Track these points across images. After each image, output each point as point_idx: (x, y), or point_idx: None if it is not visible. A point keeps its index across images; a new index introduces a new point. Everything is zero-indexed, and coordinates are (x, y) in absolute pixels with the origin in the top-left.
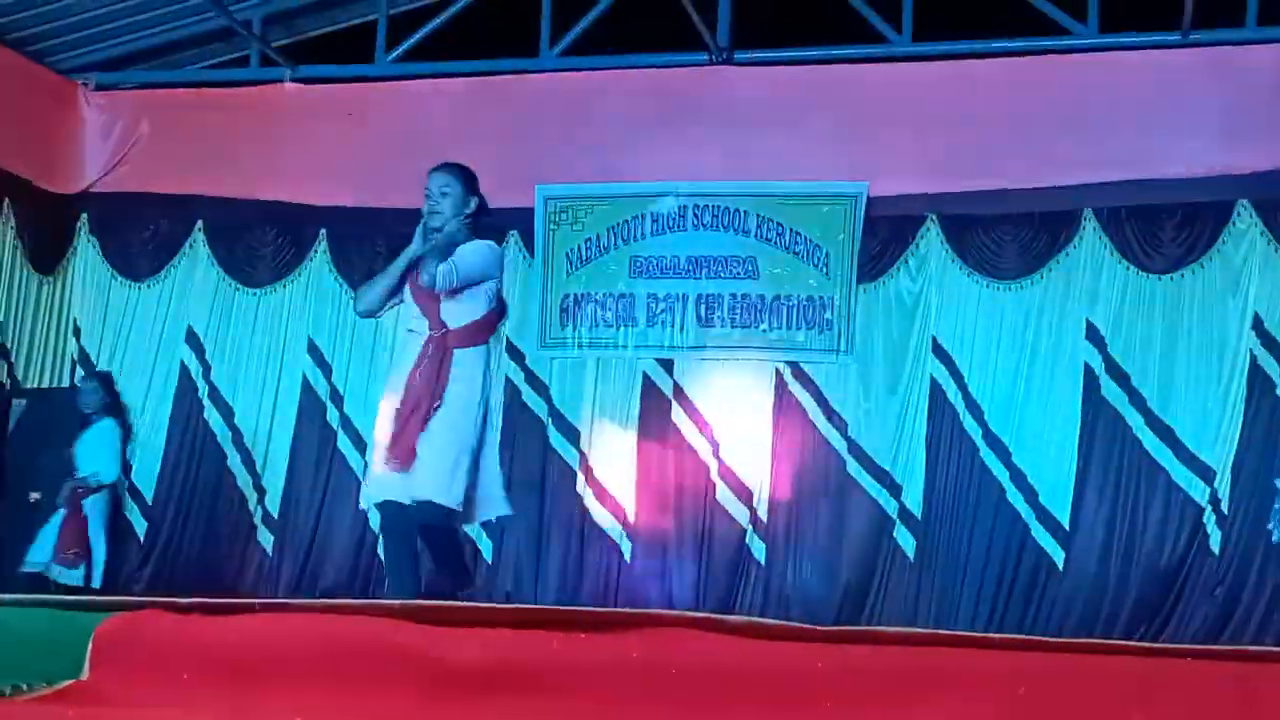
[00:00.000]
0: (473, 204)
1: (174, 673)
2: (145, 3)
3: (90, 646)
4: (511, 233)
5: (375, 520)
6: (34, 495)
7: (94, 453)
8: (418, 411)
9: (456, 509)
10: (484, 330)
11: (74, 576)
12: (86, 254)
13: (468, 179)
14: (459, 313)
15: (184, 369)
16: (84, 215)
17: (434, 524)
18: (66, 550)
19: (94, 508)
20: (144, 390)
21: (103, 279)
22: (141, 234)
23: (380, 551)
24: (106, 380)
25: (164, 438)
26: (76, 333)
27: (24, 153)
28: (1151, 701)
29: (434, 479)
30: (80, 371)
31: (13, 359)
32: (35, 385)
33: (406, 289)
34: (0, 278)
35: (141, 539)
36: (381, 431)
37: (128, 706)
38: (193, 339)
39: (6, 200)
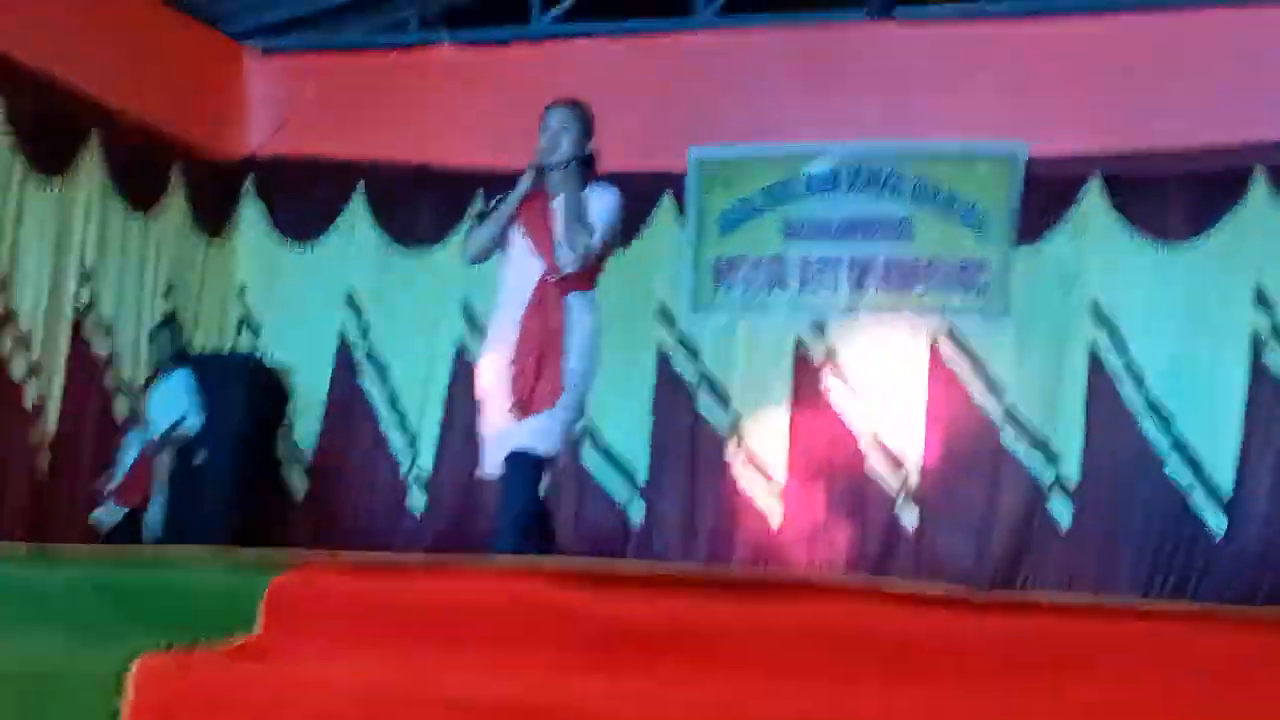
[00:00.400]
0: (589, 147)
1: (342, 627)
2: None
3: (262, 602)
4: (664, 194)
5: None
6: (199, 455)
7: (173, 401)
8: (541, 358)
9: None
10: (595, 274)
11: (113, 517)
12: (252, 218)
13: (587, 119)
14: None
15: (343, 331)
16: (249, 179)
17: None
18: (127, 494)
19: (163, 456)
20: (306, 352)
21: (267, 242)
22: (304, 198)
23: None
24: (175, 330)
25: (324, 399)
26: (242, 296)
27: (192, 117)
28: None
29: (547, 428)
30: (246, 334)
31: (181, 321)
32: (201, 348)
33: (517, 229)
34: (169, 243)
35: (302, 497)
36: (495, 380)
37: (300, 661)
38: (352, 302)
39: (177, 165)
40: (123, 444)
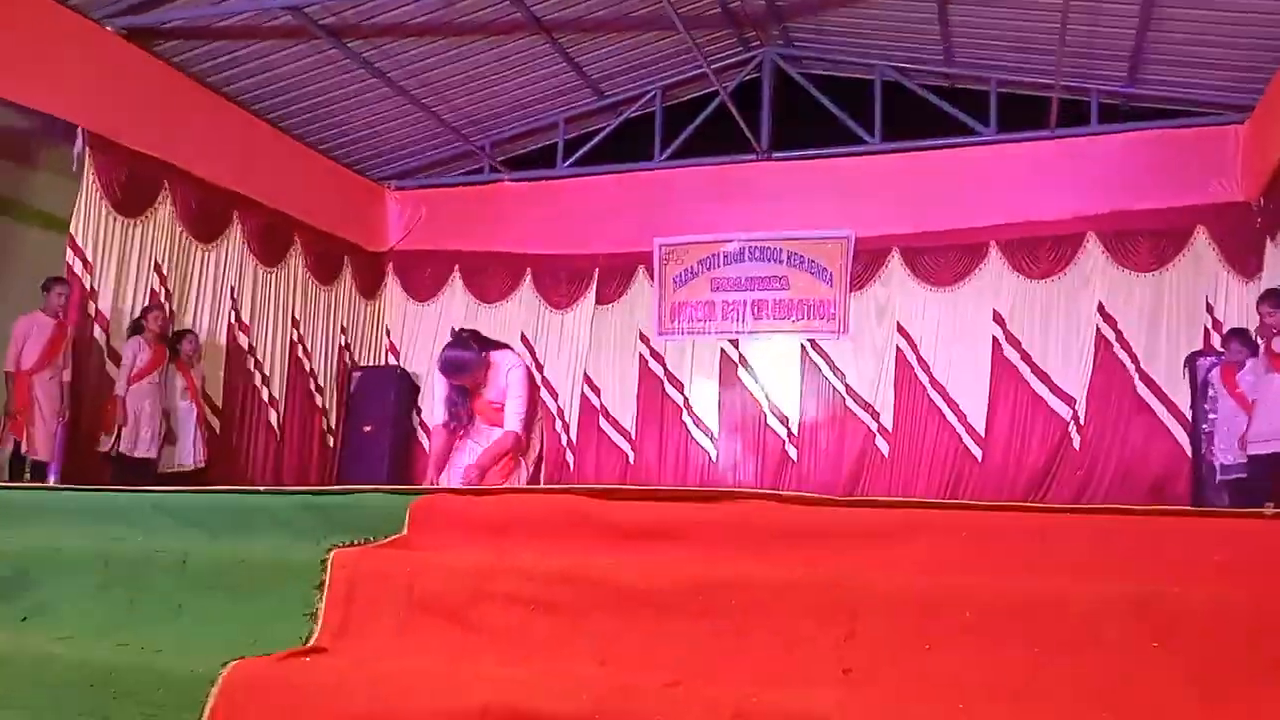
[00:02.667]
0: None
1: (456, 530)
2: (423, 137)
3: (407, 515)
4: (639, 267)
5: None
6: (366, 428)
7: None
8: None
9: None
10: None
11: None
12: (393, 287)
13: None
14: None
15: None
16: (390, 264)
17: None
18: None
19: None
20: (426, 365)
21: (401, 301)
22: (423, 273)
23: None
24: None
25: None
26: (387, 333)
27: (355, 228)
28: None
29: None
30: (391, 359)
31: (352, 349)
32: (365, 364)
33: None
34: (344, 302)
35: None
36: None
37: (431, 550)
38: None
39: (346, 255)
40: None
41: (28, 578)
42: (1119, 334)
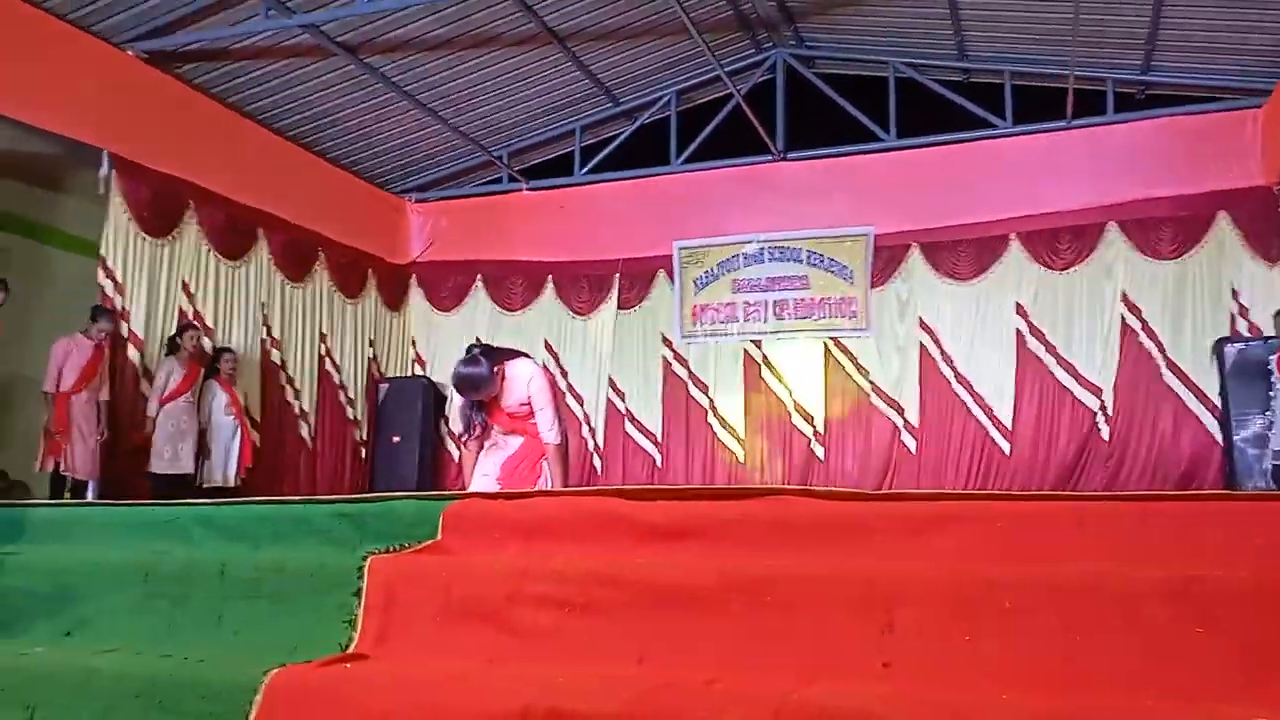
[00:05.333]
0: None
1: (490, 534)
2: (442, 149)
3: (440, 520)
4: (660, 271)
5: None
6: (395, 437)
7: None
8: None
9: None
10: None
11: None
12: (417, 298)
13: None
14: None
15: None
16: (413, 276)
17: None
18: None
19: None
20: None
21: (426, 312)
22: (445, 284)
23: None
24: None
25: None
26: (413, 344)
27: (378, 241)
28: None
29: None
30: (417, 369)
31: (379, 361)
32: (392, 375)
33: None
34: (370, 315)
35: (458, 459)
36: None
37: (465, 554)
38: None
39: (370, 269)
40: None
41: (70, 593)
42: (1144, 322)
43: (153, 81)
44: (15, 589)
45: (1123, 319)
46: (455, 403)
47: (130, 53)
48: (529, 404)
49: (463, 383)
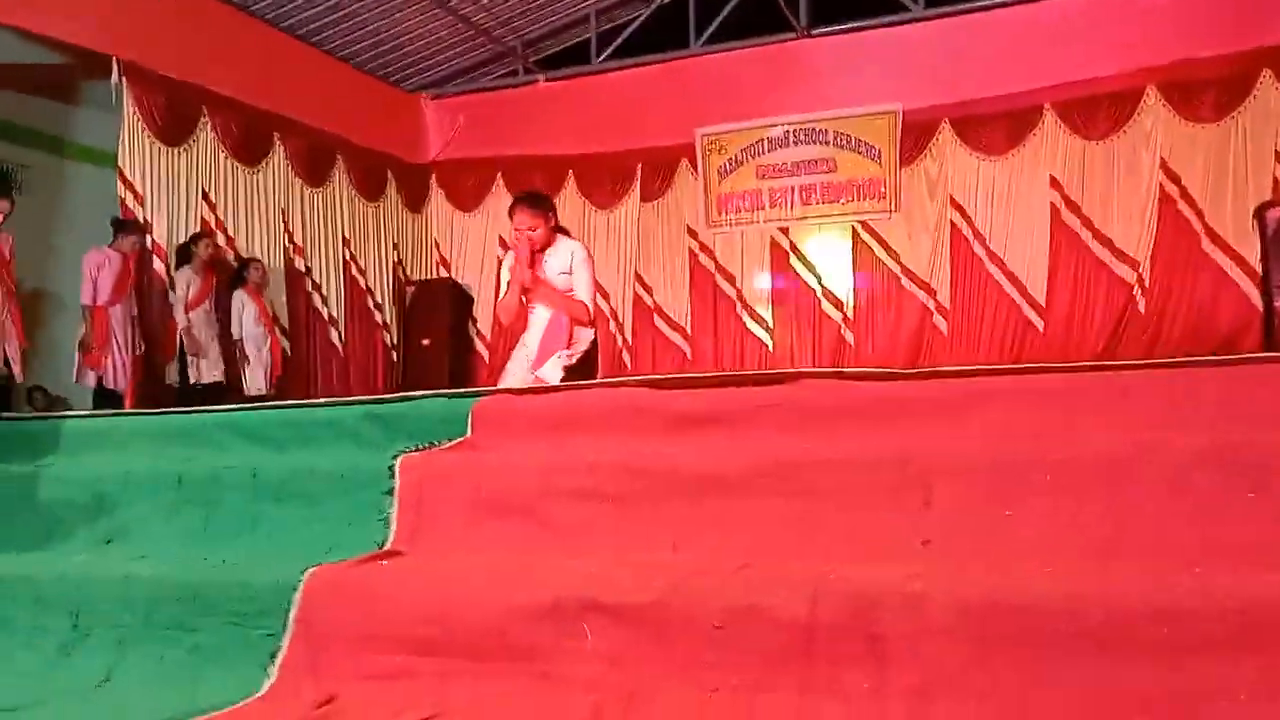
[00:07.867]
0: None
1: (519, 429)
2: (454, 42)
3: (469, 417)
4: (682, 160)
5: None
6: (424, 340)
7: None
8: None
9: None
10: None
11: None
12: (438, 199)
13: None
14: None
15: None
16: (434, 175)
17: None
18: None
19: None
20: (478, 276)
21: (448, 213)
22: (466, 183)
23: None
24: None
25: (490, 301)
26: (436, 246)
27: (396, 141)
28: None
29: None
30: (442, 271)
31: (405, 264)
32: (418, 278)
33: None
34: (392, 218)
35: (487, 358)
36: None
37: (495, 450)
38: (502, 243)
39: (389, 169)
40: None
41: (107, 502)
42: (1183, 190)
43: None
44: (54, 500)
45: (1161, 187)
46: (508, 260)
47: None
48: (569, 273)
49: (529, 195)
